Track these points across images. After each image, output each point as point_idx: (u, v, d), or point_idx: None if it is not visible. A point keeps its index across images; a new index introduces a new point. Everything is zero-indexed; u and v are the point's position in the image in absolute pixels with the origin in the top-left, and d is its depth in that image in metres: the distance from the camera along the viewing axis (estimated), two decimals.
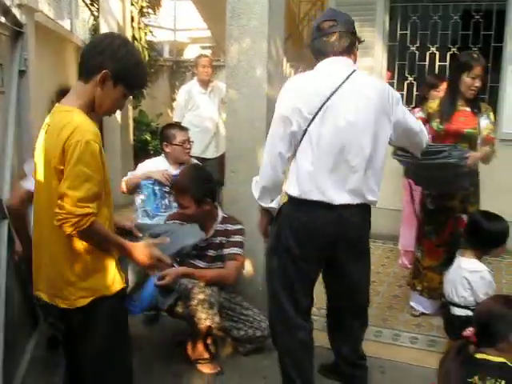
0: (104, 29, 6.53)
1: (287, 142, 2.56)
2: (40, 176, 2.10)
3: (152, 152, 7.70)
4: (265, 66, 3.41)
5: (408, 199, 4.61)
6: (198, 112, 5.75)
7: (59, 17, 6.57)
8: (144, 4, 8.15)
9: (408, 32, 5.91)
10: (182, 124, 5.48)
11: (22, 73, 3.34)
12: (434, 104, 3.84)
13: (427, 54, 5.87)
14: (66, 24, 6.68)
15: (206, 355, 3.30)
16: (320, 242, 2.62)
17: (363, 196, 2.58)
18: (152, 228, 2.79)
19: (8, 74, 3.21)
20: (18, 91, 3.25)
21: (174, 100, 9.20)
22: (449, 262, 3.40)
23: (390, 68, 5.96)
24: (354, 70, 2.57)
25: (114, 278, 2.16)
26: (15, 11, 3.28)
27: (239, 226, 3.42)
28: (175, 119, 5.94)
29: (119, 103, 2.16)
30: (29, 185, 2.58)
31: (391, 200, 5.03)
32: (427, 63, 5.88)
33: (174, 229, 2.88)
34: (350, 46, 2.60)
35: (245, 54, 3.45)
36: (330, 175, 2.51)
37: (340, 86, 2.49)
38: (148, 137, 8.26)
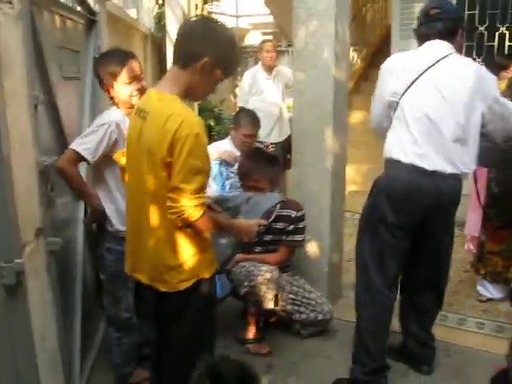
0: (170, 17, 6.64)
1: (385, 115, 2.81)
2: (138, 164, 2.15)
3: (216, 137, 7.80)
4: (332, 47, 3.41)
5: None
6: (263, 97, 5.76)
7: (126, 6, 6.73)
8: None
9: (476, 12, 5.77)
10: None
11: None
12: (502, 85, 3.75)
13: (496, 34, 5.72)
14: (132, 13, 6.83)
15: (258, 335, 3.39)
16: (415, 208, 2.72)
17: (456, 166, 2.68)
18: (230, 200, 2.84)
19: (84, 61, 3.33)
20: (93, 78, 3.37)
21: (236, 86, 9.26)
22: None
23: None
24: (452, 53, 2.71)
25: (211, 260, 2.25)
26: (89, 0, 3.41)
27: (303, 212, 3.42)
28: (239, 104, 6.00)
29: (214, 88, 2.19)
30: (74, 145, 2.63)
31: None
32: (496, 44, 5.73)
33: (250, 195, 2.95)
34: (453, 32, 2.77)
35: (312, 36, 3.46)
36: (426, 143, 2.65)
37: (437, 62, 2.66)
38: (212, 122, 8.36)
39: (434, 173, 2.65)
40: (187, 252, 2.14)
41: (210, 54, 2.03)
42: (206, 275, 2.20)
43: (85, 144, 2.63)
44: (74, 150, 2.62)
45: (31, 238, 2.22)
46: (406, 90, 2.67)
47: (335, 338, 3.50)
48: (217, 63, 2.06)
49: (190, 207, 2.00)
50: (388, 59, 2.84)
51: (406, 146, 2.67)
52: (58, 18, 2.86)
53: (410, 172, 2.66)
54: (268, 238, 3.39)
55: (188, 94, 2.12)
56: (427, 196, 2.68)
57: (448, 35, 2.74)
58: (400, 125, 2.71)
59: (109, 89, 2.74)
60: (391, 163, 2.74)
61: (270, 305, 3.19)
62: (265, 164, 3.34)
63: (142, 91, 2.65)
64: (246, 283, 3.18)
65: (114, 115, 2.70)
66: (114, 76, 2.68)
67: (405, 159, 2.66)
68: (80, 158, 2.63)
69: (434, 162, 2.64)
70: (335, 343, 3.43)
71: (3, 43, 1.94)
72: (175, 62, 2.10)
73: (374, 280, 2.79)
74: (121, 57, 2.70)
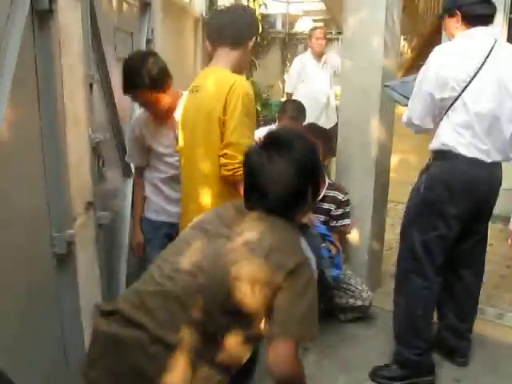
0: (221, 1, 6.70)
1: (435, 109, 2.69)
2: (194, 141, 2.31)
3: (262, 123, 7.83)
4: (382, 37, 3.40)
5: None
6: (311, 84, 5.77)
7: None
8: None
9: None
10: (294, 95, 5.59)
11: (148, 41, 3.56)
12: None
13: None
14: None
15: None
16: (474, 198, 2.72)
17: (506, 155, 2.73)
18: None
19: (137, 42, 3.42)
20: None
21: (284, 72, 9.26)
22: None
23: (510, 41, 5.70)
24: (498, 40, 2.69)
25: None
26: None
27: (348, 197, 3.51)
28: (287, 90, 6.03)
29: None
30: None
31: (504, 179, 4.83)
32: None
33: None
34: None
35: (362, 25, 3.45)
36: (488, 139, 2.64)
37: (491, 52, 2.61)
38: (259, 107, 8.39)
39: (490, 164, 2.67)
40: None
41: (252, 36, 2.39)
42: None
43: (128, 154, 3.01)
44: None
45: (82, 211, 2.33)
46: (467, 85, 2.59)
47: (372, 325, 3.52)
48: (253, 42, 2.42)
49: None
50: (438, 52, 2.70)
51: (469, 140, 2.63)
52: (114, 1, 2.96)
53: (471, 164, 2.65)
54: (320, 218, 3.46)
55: (236, 70, 2.36)
56: (485, 185, 2.71)
57: (493, 19, 2.72)
58: (461, 119, 2.63)
59: None
60: (450, 156, 2.68)
61: None
62: (320, 135, 3.40)
63: (157, 112, 2.73)
64: None
65: (135, 115, 3.04)
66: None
67: (468, 153, 2.64)
68: (136, 168, 3.01)
69: (491, 155, 2.66)
70: (372, 330, 3.46)
71: (64, 24, 2.05)
72: (222, 44, 2.37)
73: (426, 268, 2.81)
74: (130, 83, 2.63)
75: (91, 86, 2.43)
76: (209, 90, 2.25)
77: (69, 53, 2.12)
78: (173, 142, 2.71)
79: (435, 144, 2.75)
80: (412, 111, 2.76)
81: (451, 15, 2.74)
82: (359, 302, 3.45)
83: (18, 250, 1.84)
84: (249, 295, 1.51)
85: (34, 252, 2.00)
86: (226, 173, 2.18)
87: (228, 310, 1.53)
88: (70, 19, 2.14)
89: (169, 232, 2.77)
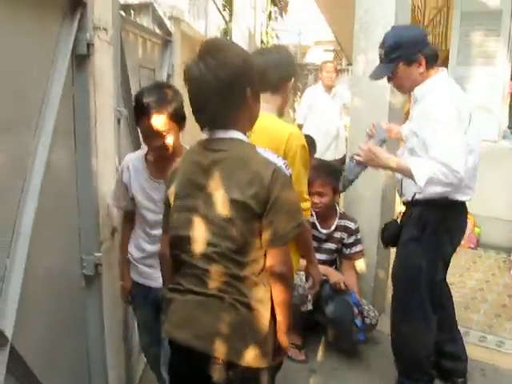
0: (236, 33, 6.96)
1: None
2: None
3: None
4: None
5: None
6: (321, 115, 5.98)
7: (196, 16, 7.05)
8: (272, 9, 8.54)
9: None
10: (305, 125, 5.81)
11: (169, 77, 3.78)
12: None
13: None
14: (201, 25, 7.15)
15: (296, 341, 3.53)
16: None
17: None
18: None
19: (159, 78, 3.63)
20: None
21: (295, 101, 9.48)
22: None
23: None
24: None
25: None
26: (166, 22, 3.72)
27: (358, 225, 3.70)
28: (298, 121, 6.24)
29: None
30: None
31: (508, 211, 5.10)
32: None
33: None
34: None
35: (370, 65, 3.63)
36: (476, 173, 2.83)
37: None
38: None
39: None
40: None
41: (293, 76, 2.43)
42: None
43: (114, 198, 2.56)
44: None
45: (108, 236, 2.52)
46: (467, 127, 2.69)
47: (376, 348, 3.67)
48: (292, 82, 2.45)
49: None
50: (452, 103, 2.65)
51: (466, 183, 2.70)
52: (140, 40, 3.18)
53: (463, 206, 2.88)
54: (330, 246, 3.67)
55: (279, 112, 2.44)
56: None
57: None
58: (467, 164, 2.63)
59: None
60: (447, 203, 2.76)
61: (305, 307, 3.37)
62: (329, 173, 3.60)
63: (163, 149, 2.37)
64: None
65: (128, 157, 2.58)
66: (137, 121, 2.45)
67: (463, 198, 2.81)
68: (123, 211, 2.63)
69: None
70: (376, 353, 3.60)
71: (98, 64, 2.26)
72: (263, 90, 2.18)
73: (427, 309, 2.93)
74: (145, 106, 2.31)
75: (119, 120, 2.64)
76: (264, 138, 2.09)
77: (101, 90, 2.32)
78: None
79: (434, 193, 2.66)
80: (461, 166, 2.54)
81: (412, 62, 2.74)
82: (367, 321, 3.53)
83: (52, 271, 2.03)
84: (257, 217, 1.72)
85: (65, 273, 2.18)
86: None
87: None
88: (103, 61, 2.34)
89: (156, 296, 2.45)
